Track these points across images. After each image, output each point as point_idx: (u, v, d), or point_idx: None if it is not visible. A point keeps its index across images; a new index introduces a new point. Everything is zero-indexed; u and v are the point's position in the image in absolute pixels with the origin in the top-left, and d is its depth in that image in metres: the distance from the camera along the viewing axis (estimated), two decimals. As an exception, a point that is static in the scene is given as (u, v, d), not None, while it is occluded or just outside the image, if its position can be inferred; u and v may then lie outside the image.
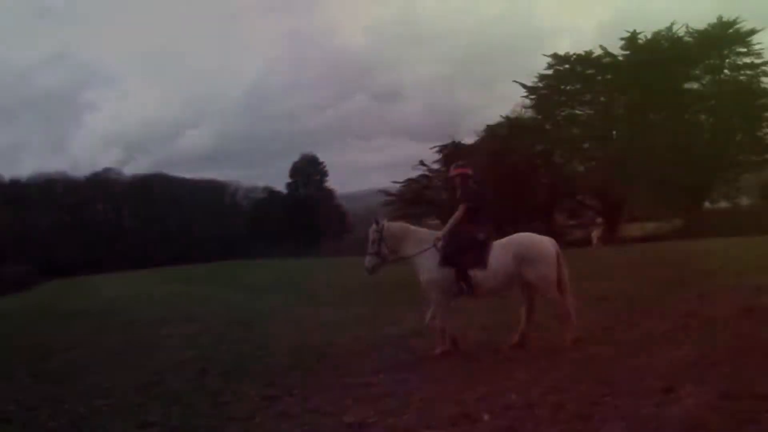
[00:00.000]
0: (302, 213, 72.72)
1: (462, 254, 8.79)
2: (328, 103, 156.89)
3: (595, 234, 39.75)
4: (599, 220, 47.17)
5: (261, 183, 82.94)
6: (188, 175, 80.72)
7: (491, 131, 48.92)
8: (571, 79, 48.01)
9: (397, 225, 9.46)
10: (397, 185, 54.19)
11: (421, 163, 51.98)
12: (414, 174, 52.66)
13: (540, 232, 9.40)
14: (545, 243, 8.92)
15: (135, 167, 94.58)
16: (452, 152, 47.93)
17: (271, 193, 79.92)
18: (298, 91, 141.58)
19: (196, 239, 70.85)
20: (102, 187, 74.17)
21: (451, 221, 9.05)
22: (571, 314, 8.68)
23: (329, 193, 79.12)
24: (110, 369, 9.44)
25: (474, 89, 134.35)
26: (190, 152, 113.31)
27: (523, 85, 48.66)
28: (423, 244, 9.04)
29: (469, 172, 9.33)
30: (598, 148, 47.42)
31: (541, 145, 48.12)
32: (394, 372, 7.92)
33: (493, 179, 35.88)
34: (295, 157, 79.45)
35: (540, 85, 48.49)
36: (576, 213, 50.51)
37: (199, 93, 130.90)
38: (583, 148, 48.51)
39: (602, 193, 45.03)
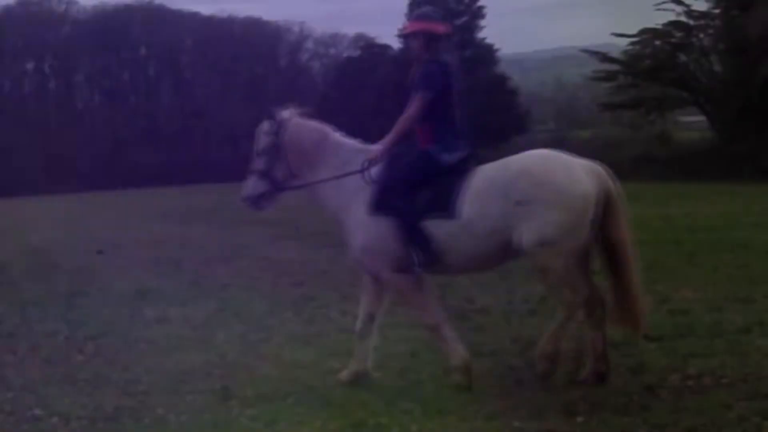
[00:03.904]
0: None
1: (410, 192, 5.03)
2: None
3: None
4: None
5: (350, 29, 51.58)
6: (204, 8, 49.22)
7: None
8: None
9: (312, 126, 5.47)
10: (623, 41, 31.70)
11: None
12: (657, 21, 29.87)
13: None
14: (571, 170, 4.80)
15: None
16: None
17: (370, 49, 46.12)
18: None
19: (218, 132, 39.93)
20: (37, 25, 39.25)
21: (397, 126, 5.27)
22: (599, 343, 4.91)
23: (488, 54, 42.27)
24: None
25: None
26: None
27: None
28: (350, 167, 5.25)
29: (441, 29, 5.31)
30: None
31: None
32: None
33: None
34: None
35: None
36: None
37: None
38: None
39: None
